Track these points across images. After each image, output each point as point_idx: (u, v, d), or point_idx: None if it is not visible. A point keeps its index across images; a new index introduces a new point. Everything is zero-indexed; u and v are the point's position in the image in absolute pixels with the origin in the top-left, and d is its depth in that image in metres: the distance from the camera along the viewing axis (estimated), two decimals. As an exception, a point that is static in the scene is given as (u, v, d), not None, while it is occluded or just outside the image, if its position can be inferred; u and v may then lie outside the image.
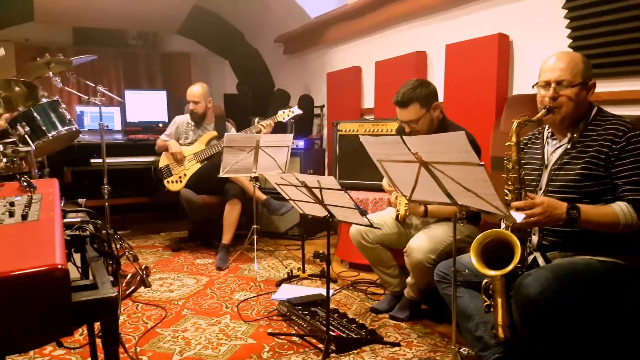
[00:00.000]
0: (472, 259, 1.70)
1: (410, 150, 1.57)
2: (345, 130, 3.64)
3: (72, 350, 2.18)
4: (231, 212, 3.72)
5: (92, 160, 4.25)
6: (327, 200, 2.05)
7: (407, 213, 2.31)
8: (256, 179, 3.40)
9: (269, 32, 5.28)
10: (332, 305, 2.74)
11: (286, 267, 3.48)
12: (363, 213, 2.04)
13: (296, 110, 3.79)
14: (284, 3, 4.68)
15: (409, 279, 2.52)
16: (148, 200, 4.79)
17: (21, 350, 0.84)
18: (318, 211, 2.19)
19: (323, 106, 4.81)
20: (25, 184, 1.55)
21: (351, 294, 2.99)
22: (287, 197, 2.31)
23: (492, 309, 1.73)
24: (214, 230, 3.96)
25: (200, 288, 3.10)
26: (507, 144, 1.77)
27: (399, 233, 2.60)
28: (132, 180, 4.54)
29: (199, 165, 3.92)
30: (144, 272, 2.99)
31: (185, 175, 3.90)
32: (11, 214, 1.13)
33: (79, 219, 1.43)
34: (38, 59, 3.20)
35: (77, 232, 1.28)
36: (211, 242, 4.10)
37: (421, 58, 3.64)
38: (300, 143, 4.30)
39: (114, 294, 0.90)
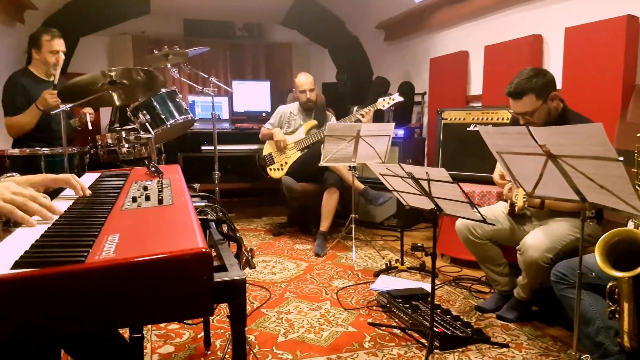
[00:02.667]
0: (596, 258, 1.57)
1: (537, 142, 1.46)
2: (451, 119, 3.50)
3: (185, 325, 2.34)
4: (329, 201, 3.76)
5: (203, 147, 4.53)
6: (435, 192, 1.98)
7: (526, 205, 2.18)
8: (355, 168, 3.40)
9: (370, 19, 5.22)
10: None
11: (383, 258, 3.45)
12: (474, 207, 1.94)
13: (397, 98, 3.71)
14: (388, -12, 4.61)
15: (520, 278, 2.37)
16: (251, 185, 5.01)
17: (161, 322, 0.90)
18: (424, 204, 2.12)
19: (424, 93, 4.66)
20: (153, 169, 1.68)
21: (454, 290, 2.89)
22: (390, 188, 2.27)
23: (617, 315, 1.61)
24: (312, 216, 4.04)
25: (301, 273, 3.18)
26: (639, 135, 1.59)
27: (512, 229, 2.46)
28: (237, 167, 4.77)
29: (299, 154, 4.00)
30: (250, 254, 3.12)
31: (286, 163, 4.00)
32: (147, 198, 1.22)
33: (202, 203, 1.52)
34: (155, 51, 3.45)
35: (205, 217, 1.36)
36: (309, 228, 4.18)
37: (536, 42, 3.38)
38: (400, 132, 4.20)
39: (243, 277, 0.93)
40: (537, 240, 2.17)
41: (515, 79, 2.26)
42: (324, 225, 3.76)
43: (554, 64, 3.26)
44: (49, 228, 0.97)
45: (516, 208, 2.21)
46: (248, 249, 3.58)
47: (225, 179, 4.39)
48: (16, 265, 0.74)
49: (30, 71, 3.16)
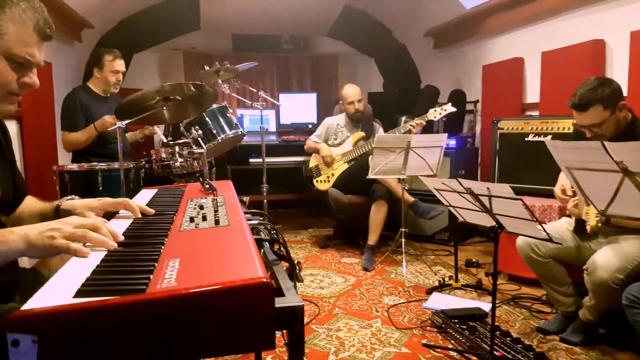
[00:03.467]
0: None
1: (612, 158, 1.34)
2: (507, 128, 3.35)
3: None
4: (377, 213, 3.68)
5: (251, 160, 4.57)
6: (497, 209, 1.88)
7: (599, 224, 2.03)
8: (403, 179, 3.31)
9: (419, 26, 5.13)
10: (490, 321, 2.55)
11: (435, 274, 3.33)
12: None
13: (449, 108, 3.60)
14: (437, -5, 4.52)
15: (586, 299, 2.22)
16: (297, 196, 5.01)
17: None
18: (483, 220, 2.02)
19: (477, 101, 4.52)
20: (207, 186, 1.67)
21: (513, 310, 2.74)
22: (446, 204, 2.18)
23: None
24: (359, 228, 3.97)
25: (349, 288, 3.11)
26: None
27: (577, 247, 2.31)
28: (284, 178, 4.79)
29: (346, 166, 3.95)
30: (297, 267, 3.09)
31: (333, 175, 3.97)
32: (204, 218, 1.21)
33: (255, 221, 1.49)
34: (206, 67, 3.50)
35: (259, 236, 1.34)
36: (356, 240, 4.11)
37: (598, 47, 3.19)
38: (452, 142, 4.07)
39: (301, 303, 0.89)
40: (606, 259, 2.02)
41: (578, 90, 2.13)
42: (372, 239, 3.68)
43: (618, 70, 3.06)
44: (109, 251, 0.97)
45: (588, 227, 2.07)
46: (295, 262, 3.56)
47: (272, 190, 4.41)
48: (78, 294, 0.73)
49: (89, 87, 3.28)
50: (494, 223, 1.96)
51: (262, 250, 1.34)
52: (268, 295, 0.74)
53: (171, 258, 0.88)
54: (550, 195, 2.63)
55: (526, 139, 3.31)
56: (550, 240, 1.80)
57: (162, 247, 0.97)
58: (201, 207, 1.35)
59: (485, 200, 1.87)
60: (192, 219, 1.19)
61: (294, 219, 5.11)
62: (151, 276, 0.79)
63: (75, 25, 4.19)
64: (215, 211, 1.26)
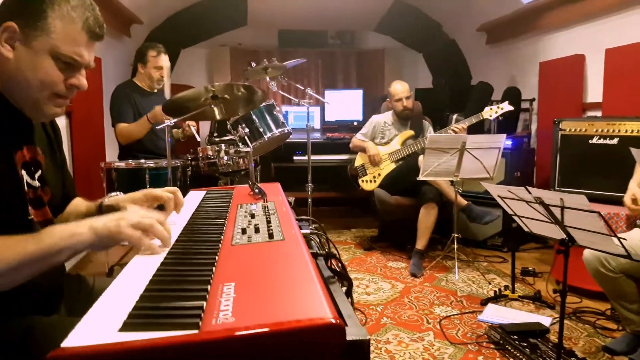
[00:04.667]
0: None
1: None
2: (570, 130, 3.12)
3: None
4: (427, 217, 3.51)
5: (295, 158, 4.49)
6: (569, 220, 1.71)
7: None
8: (456, 181, 3.15)
9: (471, 21, 4.89)
10: (552, 338, 2.36)
11: (490, 283, 3.15)
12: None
13: (506, 107, 3.39)
14: (493, -11, 4.29)
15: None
16: (341, 195, 4.90)
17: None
18: (551, 232, 1.85)
19: (533, 100, 4.26)
20: (257, 190, 1.59)
21: (575, 326, 2.54)
22: (510, 212, 2.02)
23: None
24: (406, 231, 3.82)
25: (397, 295, 2.98)
26: None
27: (654, 263, 2.09)
28: (328, 176, 4.68)
29: (393, 166, 3.81)
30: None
31: (379, 175, 3.83)
32: (257, 230, 1.11)
33: (307, 230, 1.39)
34: (253, 63, 3.43)
35: (313, 250, 1.23)
36: (402, 244, 3.96)
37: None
38: (508, 142, 3.82)
39: (367, 337, 0.78)
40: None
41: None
42: (421, 243, 3.52)
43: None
44: (158, 268, 0.89)
45: None
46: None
47: (315, 189, 4.33)
48: (125, 327, 0.64)
49: (135, 83, 3.27)
50: (564, 236, 1.79)
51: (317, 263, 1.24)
52: (338, 337, 0.63)
53: (225, 282, 0.79)
54: (616, 202, 2.43)
55: (590, 141, 3.07)
56: (629, 257, 1.62)
57: (214, 266, 0.88)
58: (252, 216, 1.26)
59: (556, 211, 1.70)
60: (244, 231, 1.11)
61: (336, 218, 5.01)
62: (204, 304, 0.70)
63: (125, 21, 4.23)
64: (268, 222, 1.17)
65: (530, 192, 1.73)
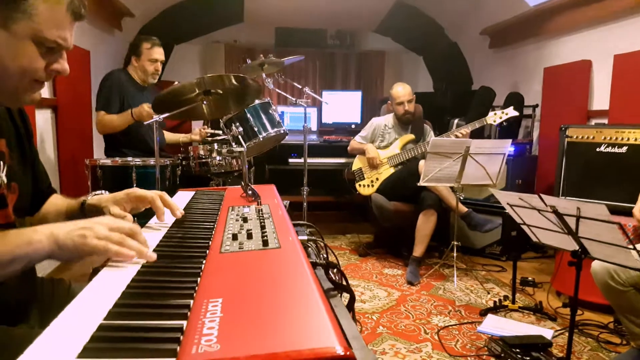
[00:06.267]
0: None
1: None
2: (577, 137, 3.01)
3: None
4: (426, 223, 3.40)
5: (290, 160, 4.37)
6: (584, 231, 1.60)
7: None
8: (456, 188, 3.04)
9: (474, 24, 4.80)
10: (555, 351, 2.26)
11: (488, 293, 3.04)
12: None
13: (511, 112, 3.29)
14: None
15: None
16: (336, 199, 4.78)
17: None
18: (562, 242, 1.74)
19: (536, 106, 4.17)
20: (250, 192, 1.47)
21: (578, 339, 2.43)
22: (519, 221, 1.91)
23: None
24: (402, 238, 3.71)
25: (393, 303, 2.86)
26: None
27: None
28: (323, 180, 4.56)
29: (392, 170, 3.69)
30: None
31: (377, 179, 3.72)
32: (249, 236, 0.99)
33: (304, 237, 1.27)
34: (248, 60, 3.31)
35: (312, 259, 1.11)
36: (399, 250, 3.85)
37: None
38: (510, 149, 3.72)
39: (375, 364, 0.66)
40: None
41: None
42: (418, 251, 3.40)
43: None
44: (132, 279, 0.76)
45: None
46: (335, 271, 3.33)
47: (310, 192, 4.23)
48: (84, 353, 0.52)
49: (129, 73, 3.14)
50: (576, 247, 1.69)
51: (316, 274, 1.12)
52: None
53: (211, 297, 0.67)
54: (622, 212, 2.33)
55: (597, 149, 2.97)
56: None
57: (199, 277, 0.76)
58: (244, 220, 1.14)
59: (571, 221, 1.59)
60: (234, 237, 0.99)
61: (331, 223, 4.88)
62: (185, 324, 0.58)
63: (116, 13, 4.08)
64: (262, 227, 1.05)
65: (543, 201, 1.62)
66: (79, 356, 0.52)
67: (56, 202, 1.27)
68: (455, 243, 3.15)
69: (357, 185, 3.78)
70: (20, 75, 0.91)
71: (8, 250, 0.81)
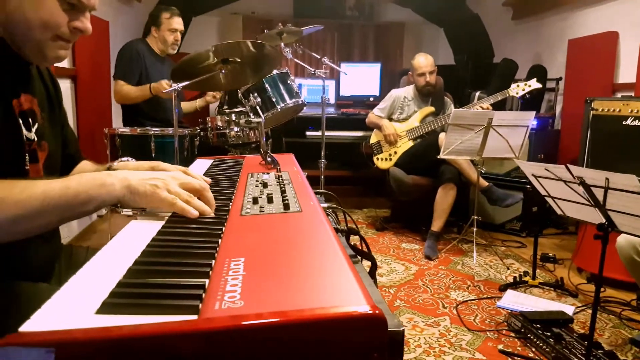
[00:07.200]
0: None
1: None
2: (602, 110, 2.91)
3: None
4: (445, 198, 3.35)
5: (308, 133, 4.32)
6: (612, 204, 1.55)
7: None
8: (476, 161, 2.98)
9: (496, -5, 4.65)
10: (576, 327, 2.23)
11: (508, 268, 3.00)
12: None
13: (534, 84, 3.20)
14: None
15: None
16: (353, 173, 4.74)
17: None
18: (588, 215, 1.69)
19: (560, 79, 4.04)
20: (269, 159, 1.44)
21: (599, 316, 2.39)
22: (543, 193, 1.86)
23: None
24: (420, 212, 3.66)
25: (411, 277, 2.85)
26: None
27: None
28: (340, 153, 4.52)
29: (411, 143, 3.63)
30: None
31: (395, 153, 3.66)
32: (270, 200, 0.97)
33: (324, 204, 1.25)
34: (267, 31, 3.25)
35: (334, 226, 1.09)
36: (416, 225, 3.81)
37: None
38: (533, 122, 3.62)
39: (401, 328, 0.64)
40: None
41: None
42: (437, 225, 3.36)
43: None
44: (153, 238, 0.75)
45: None
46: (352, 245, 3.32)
47: (327, 166, 4.20)
48: (103, 308, 0.51)
49: (149, 44, 3.12)
50: (603, 220, 1.63)
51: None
52: (378, 332, 0.49)
53: (233, 256, 0.65)
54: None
55: (624, 122, 2.86)
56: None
57: (220, 238, 0.74)
58: (264, 185, 1.12)
59: (598, 192, 1.54)
60: (255, 200, 0.96)
61: (348, 197, 4.85)
62: (207, 283, 0.56)
63: (135, -16, 4.04)
64: (283, 192, 1.02)
65: (570, 171, 1.56)
66: (98, 312, 0.50)
67: (85, 167, 1.27)
68: (476, 217, 3.10)
69: (375, 158, 3.74)
70: (42, 29, 0.91)
71: (84, 190, 0.81)
